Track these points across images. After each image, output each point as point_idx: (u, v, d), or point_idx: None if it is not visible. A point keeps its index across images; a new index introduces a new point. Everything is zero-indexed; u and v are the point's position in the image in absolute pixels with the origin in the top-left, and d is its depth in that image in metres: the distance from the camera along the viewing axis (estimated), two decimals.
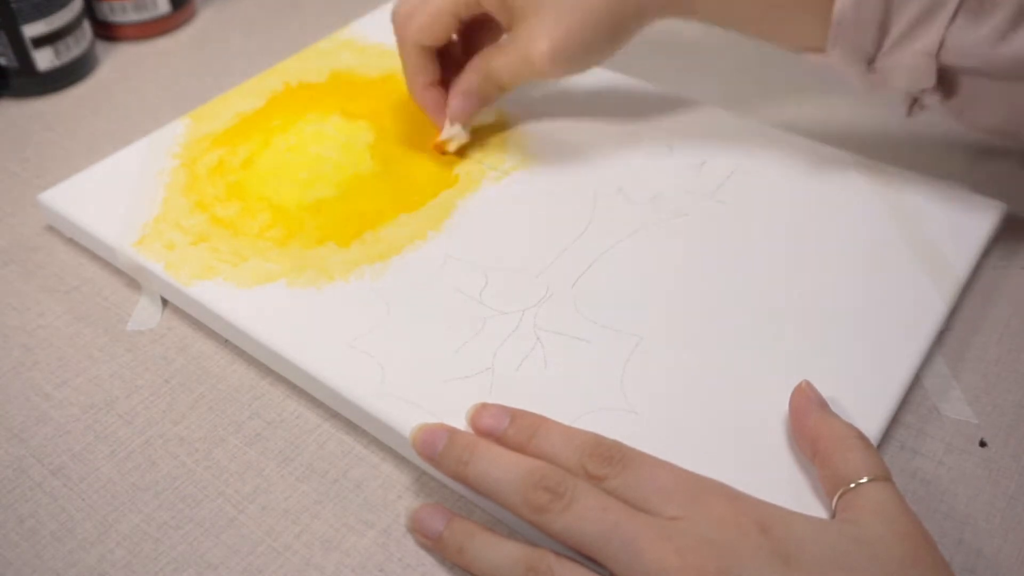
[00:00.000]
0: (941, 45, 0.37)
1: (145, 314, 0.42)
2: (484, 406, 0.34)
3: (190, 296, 0.40)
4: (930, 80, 0.38)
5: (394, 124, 0.50)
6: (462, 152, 0.47)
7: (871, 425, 0.34)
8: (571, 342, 0.37)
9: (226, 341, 0.41)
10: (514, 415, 0.33)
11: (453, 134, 0.46)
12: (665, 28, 0.45)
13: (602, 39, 0.43)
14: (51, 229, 0.47)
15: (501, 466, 0.31)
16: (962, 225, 0.42)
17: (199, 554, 0.33)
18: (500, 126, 0.49)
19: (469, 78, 0.45)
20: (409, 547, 0.33)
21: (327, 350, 0.37)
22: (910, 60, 0.38)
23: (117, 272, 0.44)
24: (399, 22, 0.45)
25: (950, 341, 0.40)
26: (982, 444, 0.36)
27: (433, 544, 0.32)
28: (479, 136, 0.48)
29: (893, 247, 0.41)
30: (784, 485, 0.32)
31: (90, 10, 0.60)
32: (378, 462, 0.36)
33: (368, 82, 0.53)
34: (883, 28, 0.38)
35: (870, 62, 0.39)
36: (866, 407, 0.35)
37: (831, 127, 0.51)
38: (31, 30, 0.54)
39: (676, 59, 0.57)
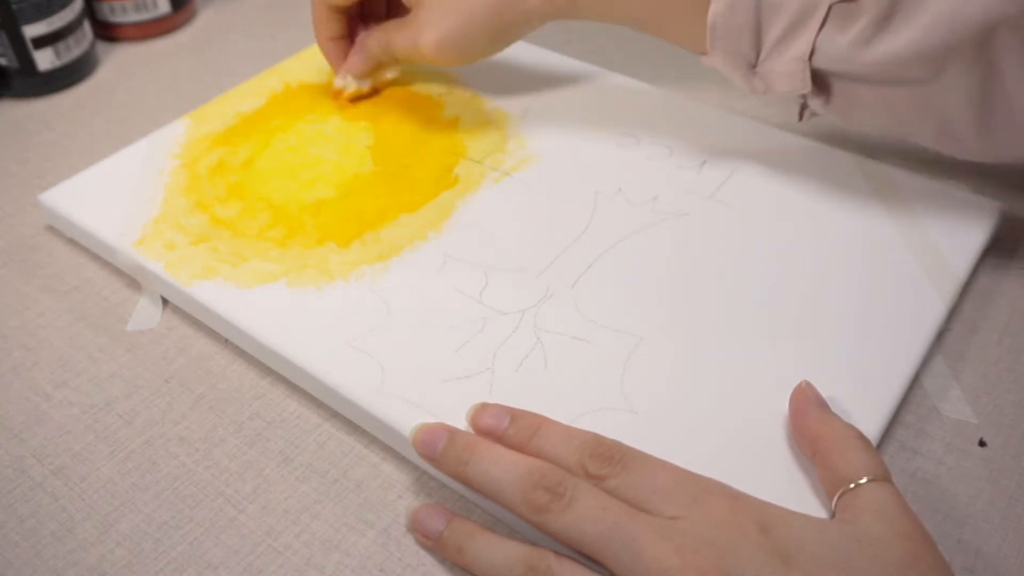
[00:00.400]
0: (813, 51, 0.38)
1: (145, 314, 0.42)
2: (484, 406, 0.34)
3: (190, 296, 0.40)
4: (806, 85, 0.39)
5: (394, 125, 0.50)
6: (457, 154, 0.47)
7: (871, 425, 0.34)
8: (571, 342, 0.37)
9: (226, 341, 0.41)
10: (514, 415, 0.33)
11: (346, 84, 0.50)
12: None
13: (485, 39, 0.46)
14: (51, 229, 0.47)
15: (501, 466, 0.31)
16: (962, 225, 0.42)
17: (199, 554, 0.33)
18: (500, 126, 0.49)
19: (370, 43, 0.49)
20: (409, 547, 0.33)
21: (327, 350, 0.37)
22: (786, 66, 0.39)
23: (117, 272, 0.44)
24: None
25: (950, 341, 0.40)
26: (982, 444, 0.36)
27: (433, 544, 0.32)
28: (480, 136, 0.48)
29: (893, 247, 0.41)
30: (784, 485, 0.32)
31: (90, 10, 0.61)
32: (378, 462, 0.36)
33: None
34: (758, 35, 0.39)
35: (752, 67, 0.40)
36: (866, 407, 0.35)
37: (831, 127, 0.51)
38: (32, 30, 0.54)
39: (676, 59, 0.57)
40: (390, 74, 0.51)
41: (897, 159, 0.46)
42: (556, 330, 0.38)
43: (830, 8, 0.37)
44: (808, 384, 0.34)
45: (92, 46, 0.59)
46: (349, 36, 0.50)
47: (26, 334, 0.41)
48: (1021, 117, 0.36)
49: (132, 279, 0.44)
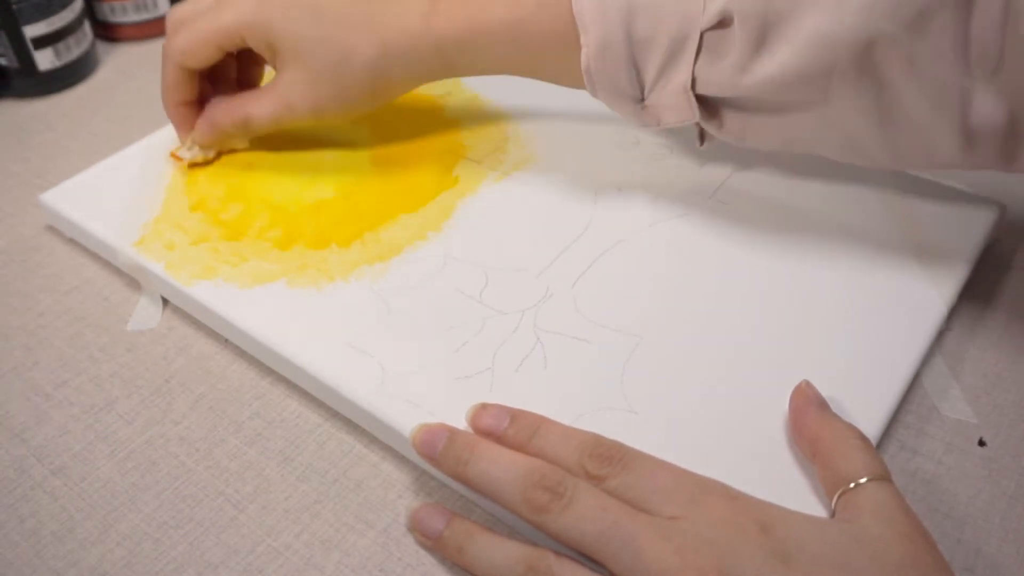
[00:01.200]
0: (694, 79, 0.38)
1: (145, 314, 0.42)
2: (484, 406, 0.34)
3: (190, 296, 0.40)
4: (694, 115, 0.39)
5: (394, 125, 0.50)
6: (457, 154, 0.47)
7: (871, 425, 0.34)
8: (571, 342, 0.37)
9: (226, 341, 0.41)
10: (514, 415, 0.33)
11: (192, 154, 0.47)
12: None
13: (362, 102, 0.44)
14: (51, 229, 0.47)
15: (501, 465, 0.31)
16: (962, 225, 0.42)
17: (199, 554, 0.33)
18: (500, 126, 0.49)
19: (220, 118, 0.45)
20: (409, 547, 0.33)
21: (327, 350, 0.37)
22: (670, 99, 0.39)
23: (117, 272, 0.44)
24: (169, 30, 0.45)
25: (950, 341, 0.40)
26: (981, 443, 0.36)
27: (433, 544, 0.32)
28: (480, 137, 0.48)
29: (893, 247, 0.41)
30: (784, 485, 0.32)
31: (90, 10, 0.61)
32: (378, 462, 0.36)
33: None
34: (636, 71, 0.39)
35: (639, 102, 0.40)
36: (866, 407, 0.35)
37: None
38: (32, 31, 0.54)
39: None
40: (239, 144, 0.48)
41: None
42: (556, 330, 0.38)
43: (702, 36, 0.37)
44: (808, 384, 0.34)
45: (92, 46, 0.59)
46: (199, 101, 0.46)
47: (26, 334, 0.42)
48: (921, 126, 0.35)
49: (132, 279, 0.44)
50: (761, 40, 0.36)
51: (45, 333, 0.42)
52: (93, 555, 0.33)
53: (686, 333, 0.38)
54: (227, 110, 0.45)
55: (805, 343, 0.37)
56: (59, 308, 0.43)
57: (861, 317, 0.38)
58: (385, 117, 0.50)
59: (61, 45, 0.56)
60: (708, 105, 0.39)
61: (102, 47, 0.62)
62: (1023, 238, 0.44)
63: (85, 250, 0.45)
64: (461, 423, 0.34)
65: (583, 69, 0.39)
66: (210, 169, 0.47)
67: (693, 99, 0.38)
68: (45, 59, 0.56)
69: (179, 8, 0.45)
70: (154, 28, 0.62)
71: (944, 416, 0.37)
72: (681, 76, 0.38)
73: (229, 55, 0.46)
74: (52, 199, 0.45)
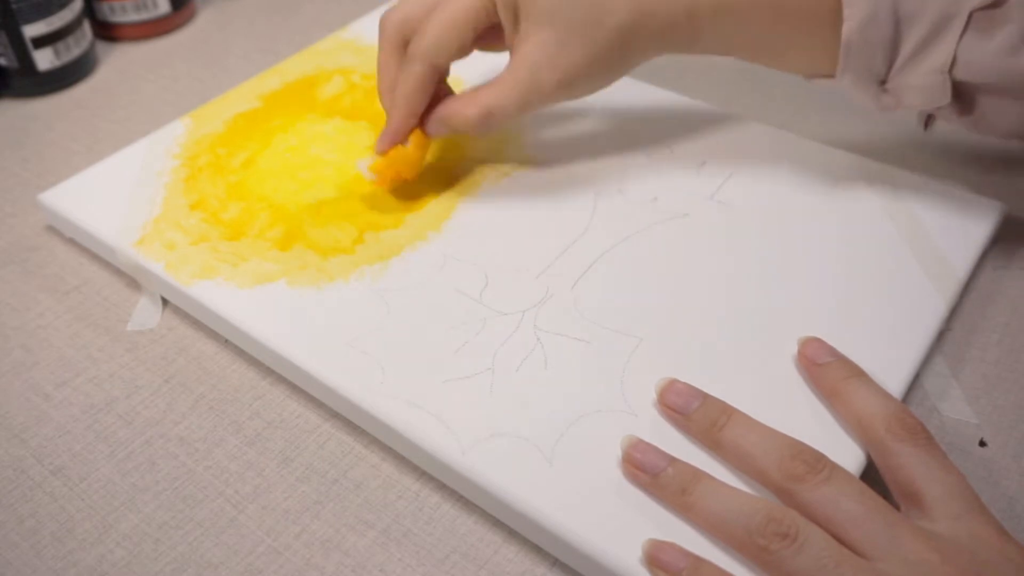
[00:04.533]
0: (954, 61, 0.36)
1: (145, 314, 0.42)
2: (674, 382, 0.34)
3: (190, 296, 0.40)
4: (945, 97, 0.37)
5: None
6: (460, 151, 0.47)
7: None
8: (571, 343, 0.37)
9: (226, 341, 0.41)
10: (705, 397, 0.34)
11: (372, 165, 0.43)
12: None
13: (606, 71, 0.42)
14: (51, 229, 0.47)
15: (722, 501, 0.30)
16: (962, 225, 0.42)
17: (199, 554, 0.33)
18: (499, 127, 0.49)
19: (460, 113, 0.41)
20: (409, 547, 0.33)
21: (327, 350, 0.37)
22: (923, 79, 0.37)
23: (117, 272, 0.44)
24: (392, 33, 0.42)
25: (950, 341, 0.40)
26: (982, 444, 0.36)
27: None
28: (480, 136, 0.48)
29: (893, 247, 0.41)
30: None
31: (90, 10, 0.61)
32: (378, 462, 0.36)
33: (368, 82, 0.53)
34: (893, 48, 0.37)
35: (882, 83, 0.39)
36: None
37: (831, 127, 0.51)
38: (31, 30, 0.54)
39: (676, 59, 0.57)
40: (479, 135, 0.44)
41: (897, 159, 0.46)
42: (556, 331, 0.38)
43: (971, 15, 0.35)
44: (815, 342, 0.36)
45: (92, 46, 0.59)
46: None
47: (26, 334, 0.41)
48: None
49: (132, 279, 0.44)
50: None
51: (45, 333, 0.42)
52: (93, 555, 0.33)
53: (686, 333, 0.38)
54: (462, 105, 0.41)
55: None
56: (59, 308, 0.43)
57: (861, 317, 0.38)
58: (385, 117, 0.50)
59: (60, 45, 0.56)
60: (956, 88, 0.37)
61: (102, 47, 0.62)
62: (1023, 238, 0.44)
63: (85, 250, 0.45)
64: (461, 423, 0.34)
65: (843, 44, 0.37)
66: (210, 169, 0.47)
67: (948, 81, 0.37)
68: (44, 59, 0.56)
69: (397, 8, 0.42)
70: (154, 28, 0.62)
71: (944, 416, 0.37)
72: (940, 55, 0.36)
73: None
74: (52, 199, 0.45)
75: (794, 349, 0.36)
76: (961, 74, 0.37)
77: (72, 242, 0.46)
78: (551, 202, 0.44)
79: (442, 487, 0.35)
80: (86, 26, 0.58)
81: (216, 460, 0.36)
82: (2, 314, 0.43)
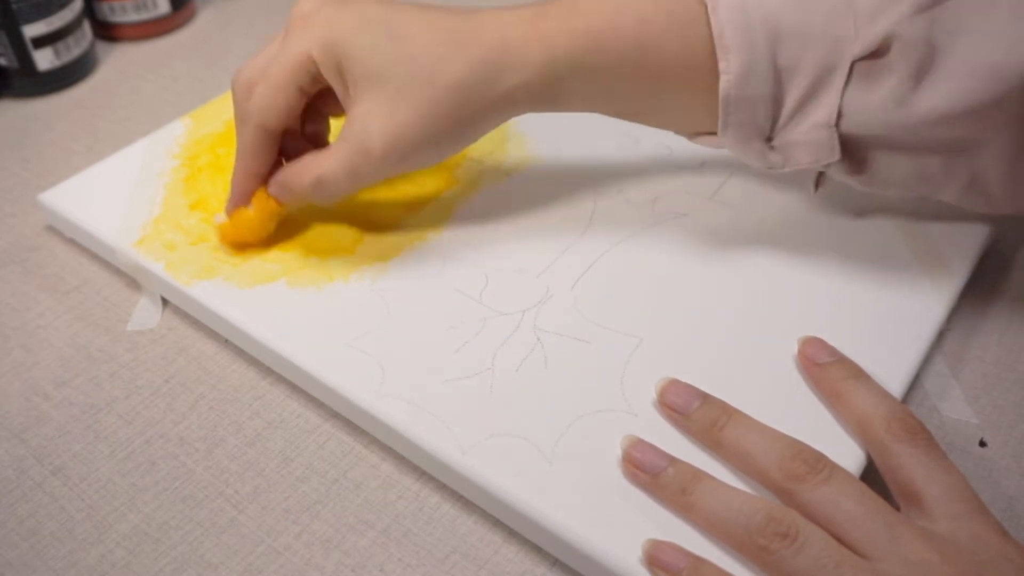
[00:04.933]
0: (840, 115, 0.34)
1: (145, 314, 0.42)
2: (674, 381, 0.34)
3: (190, 296, 0.40)
4: (834, 154, 0.35)
5: None
6: (457, 154, 0.47)
7: None
8: (571, 343, 0.37)
9: (226, 341, 0.41)
10: (706, 397, 0.34)
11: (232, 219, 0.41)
12: None
13: (445, 136, 0.37)
14: (51, 229, 0.47)
15: (723, 501, 0.30)
16: (962, 225, 0.42)
17: (199, 554, 0.33)
18: (500, 127, 0.49)
19: (294, 181, 0.39)
20: (409, 547, 0.33)
21: (327, 350, 0.37)
22: (809, 135, 0.35)
23: (117, 272, 0.44)
24: (239, 94, 0.39)
25: (950, 341, 0.40)
26: (982, 444, 0.36)
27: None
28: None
29: (893, 247, 0.41)
30: None
31: (90, 10, 0.61)
32: (378, 462, 0.36)
33: None
34: (776, 103, 0.35)
35: (768, 140, 0.36)
36: None
37: None
38: (31, 30, 0.54)
39: None
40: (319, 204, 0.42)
41: None
42: (556, 331, 0.38)
43: (852, 65, 0.33)
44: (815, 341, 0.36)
45: (92, 46, 0.59)
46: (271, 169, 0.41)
47: (26, 334, 0.41)
48: None
49: (132, 279, 0.44)
50: (921, 69, 0.32)
51: (45, 333, 0.42)
52: (93, 555, 0.33)
53: (686, 334, 0.38)
54: (297, 172, 0.39)
55: None
56: (59, 308, 0.43)
57: (861, 317, 0.38)
58: None
59: (60, 45, 0.56)
60: (846, 144, 0.35)
61: (101, 47, 0.62)
62: (1023, 238, 0.44)
63: (85, 250, 0.45)
64: (461, 423, 0.34)
65: (721, 99, 0.35)
66: (210, 169, 0.47)
67: (836, 136, 0.34)
68: (44, 59, 0.56)
69: (243, 69, 0.40)
70: (154, 28, 0.62)
71: (944, 416, 0.37)
72: (825, 110, 0.34)
73: (294, 119, 0.40)
74: (52, 199, 0.45)
75: (793, 349, 0.36)
76: (849, 127, 0.34)
77: (72, 242, 0.46)
78: (551, 202, 0.44)
79: (442, 487, 0.35)
80: (86, 26, 0.58)
81: (216, 460, 0.36)
82: (2, 314, 0.43)
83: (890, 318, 0.38)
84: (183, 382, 0.39)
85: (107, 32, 0.62)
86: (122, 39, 0.62)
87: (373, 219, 0.44)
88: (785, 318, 0.38)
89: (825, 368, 0.35)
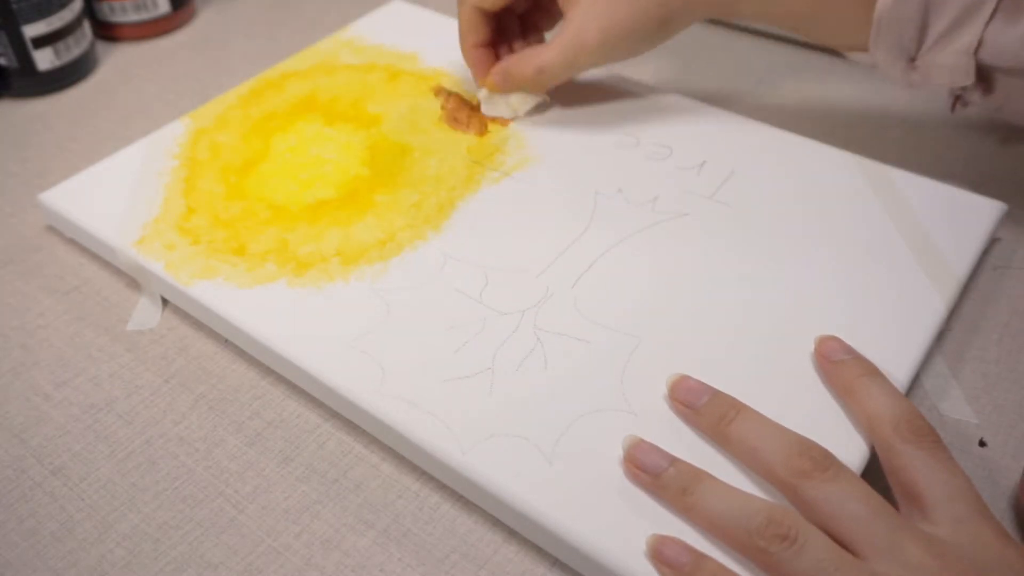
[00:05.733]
0: (979, 44, 0.38)
1: (145, 314, 0.42)
2: (685, 377, 0.34)
3: (190, 296, 0.40)
4: (969, 78, 0.39)
5: (394, 125, 0.50)
6: (460, 151, 0.47)
7: None
8: (571, 343, 0.37)
9: (226, 341, 0.41)
10: (715, 392, 0.34)
11: (496, 111, 0.49)
12: None
13: (649, 34, 0.45)
14: (51, 229, 0.47)
15: (723, 501, 0.30)
16: (962, 225, 0.42)
17: (199, 554, 0.33)
18: (500, 126, 0.49)
19: (516, 68, 0.47)
20: (409, 547, 0.33)
21: (327, 350, 0.37)
22: (950, 59, 0.39)
23: (117, 272, 0.44)
24: None
25: (950, 341, 0.40)
26: (982, 444, 0.36)
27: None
28: (480, 136, 0.48)
29: (893, 247, 0.41)
30: None
31: (90, 10, 0.61)
32: (378, 462, 0.36)
33: (369, 82, 0.53)
34: (923, 27, 0.39)
35: (911, 60, 0.40)
36: None
37: (831, 127, 0.51)
38: (31, 30, 0.54)
39: (676, 59, 0.57)
40: (540, 107, 0.50)
41: (897, 159, 0.46)
42: (556, 330, 0.38)
43: (999, 2, 0.37)
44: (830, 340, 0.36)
45: (92, 46, 0.59)
46: (493, 45, 0.49)
47: (26, 334, 0.41)
48: None
49: (132, 279, 0.44)
50: None
51: (45, 333, 0.42)
52: (93, 555, 0.33)
53: (686, 333, 0.38)
54: (520, 60, 0.47)
55: (805, 343, 0.37)
56: (59, 308, 0.43)
57: (861, 317, 0.38)
58: (385, 117, 0.50)
59: (60, 45, 0.56)
60: (979, 72, 0.39)
61: (101, 47, 0.62)
62: (1023, 238, 0.44)
63: (85, 250, 0.45)
64: (461, 423, 0.34)
65: (875, 17, 0.39)
66: (210, 169, 0.47)
67: (973, 63, 0.38)
68: (44, 59, 0.56)
69: None
70: (154, 28, 0.62)
71: (944, 416, 0.37)
72: (967, 37, 0.38)
73: (512, 15, 0.49)
74: (52, 199, 0.45)
75: (793, 348, 0.36)
76: (986, 57, 0.38)
77: (72, 242, 0.46)
78: (551, 202, 0.44)
79: (442, 487, 0.35)
80: (86, 26, 0.58)
81: (216, 460, 0.36)
82: (2, 314, 0.43)
83: (890, 318, 0.38)
84: (183, 382, 0.39)
85: (107, 32, 0.62)
86: (122, 39, 0.62)
87: (373, 219, 0.44)
88: (784, 318, 0.38)
89: (839, 365, 0.35)
